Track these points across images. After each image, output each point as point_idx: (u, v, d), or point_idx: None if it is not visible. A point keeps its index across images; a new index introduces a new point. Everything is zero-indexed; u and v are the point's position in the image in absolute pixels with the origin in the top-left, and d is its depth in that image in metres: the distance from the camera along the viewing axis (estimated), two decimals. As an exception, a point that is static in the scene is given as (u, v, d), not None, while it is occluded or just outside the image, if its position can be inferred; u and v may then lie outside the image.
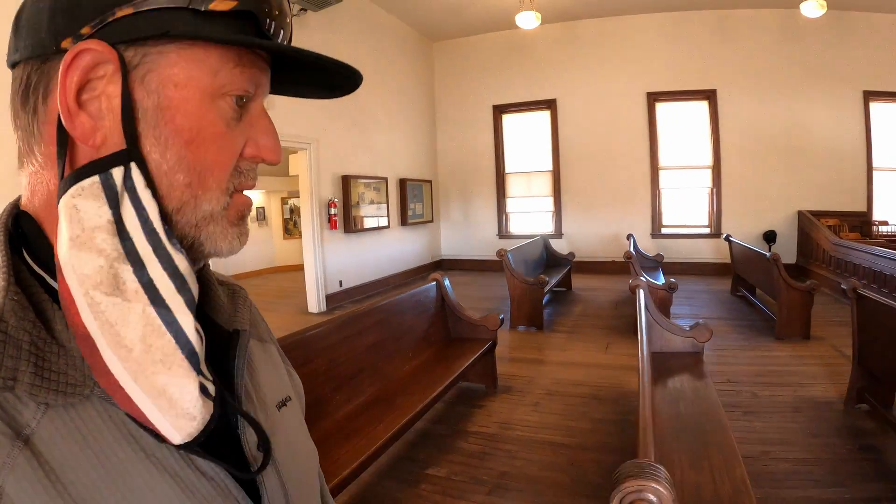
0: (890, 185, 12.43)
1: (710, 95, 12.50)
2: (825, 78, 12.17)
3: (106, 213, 0.52)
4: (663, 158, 12.91)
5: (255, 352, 0.78)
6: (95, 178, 0.52)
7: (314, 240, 9.59)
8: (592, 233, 12.92)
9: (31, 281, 0.55)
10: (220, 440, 0.62)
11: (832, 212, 12.17)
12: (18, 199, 0.61)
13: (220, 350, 0.68)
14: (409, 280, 12.35)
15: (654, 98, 12.80)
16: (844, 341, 6.53)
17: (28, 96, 0.56)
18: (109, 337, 0.51)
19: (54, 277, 0.55)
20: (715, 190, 12.66)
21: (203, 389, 0.55)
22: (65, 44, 0.53)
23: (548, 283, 8.00)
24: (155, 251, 0.54)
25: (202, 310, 0.68)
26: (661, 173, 12.92)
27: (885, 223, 12.08)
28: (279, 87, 0.71)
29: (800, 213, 12.14)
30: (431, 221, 14.10)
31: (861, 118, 12.21)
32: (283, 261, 15.77)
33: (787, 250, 12.13)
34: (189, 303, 0.55)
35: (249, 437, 0.66)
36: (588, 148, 13.02)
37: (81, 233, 0.51)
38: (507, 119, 13.99)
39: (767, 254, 7.89)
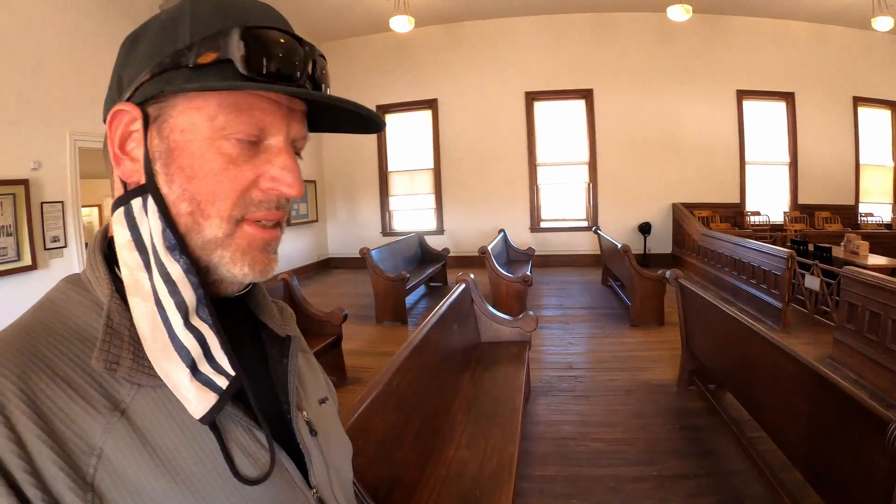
0: (762, 178, 12.93)
1: (586, 94, 12.70)
2: (700, 78, 12.54)
3: (127, 235, 0.65)
4: (541, 155, 13.04)
5: (300, 358, 0.86)
6: (121, 209, 0.66)
7: None
8: (473, 228, 12.81)
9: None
10: (277, 421, 0.74)
11: (706, 204, 12.54)
12: (107, 225, 0.71)
13: (275, 349, 0.81)
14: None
15: (532, 97, 12.87)
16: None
17: (106, 150, 0.70)
18: (140, 329, 0.63)
19: None
20: (592, 185, 12.84)
21: (206, 381, 0.63)
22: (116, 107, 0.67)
23: (408, 280, 7.87)
24: (155, 261, 0.64)
25: (259, 318, 0.83)
26: (539, 169, 13.06)
27: (756, 213, 12.47)
28: (324, 125, 0.79)
29: (674, 206, 12.43)
30: (317, 221, 13.90)
31: (734, 115, 12.67)
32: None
33: (663, 241, 12.49)
34: (179, 305, 0.64)
35: (300, 421, 0.78)
36: (468, 146, 13.00)
37: (118, 248, 0.65)
38: (390, 119, 13.75)
39: (618, 245, 7.92)
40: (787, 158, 12.95)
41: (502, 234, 10.88)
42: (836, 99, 12.78)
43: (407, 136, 13.87)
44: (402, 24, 10.47)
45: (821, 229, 11.80)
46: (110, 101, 0.68)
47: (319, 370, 0.96)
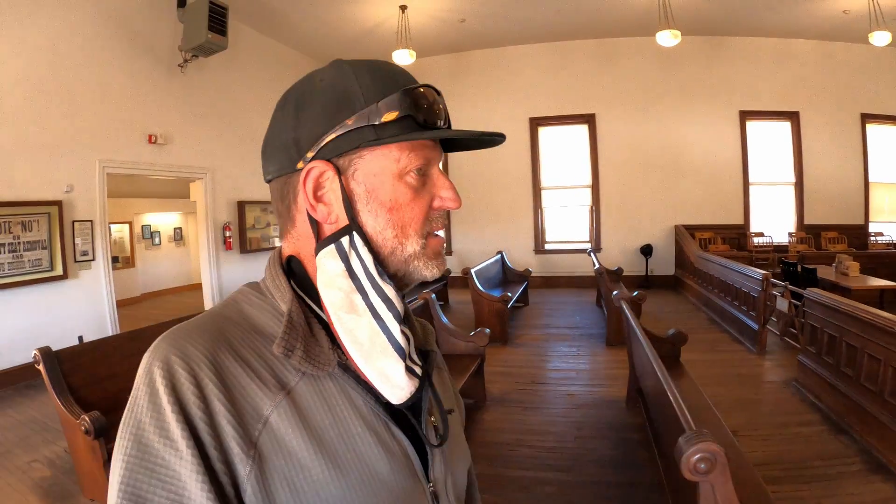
0: (766, 199, 12.73)
1: (589, 119, 12.80)
2: (702, 99, 12.49)
3: (340, 266, 0.76)
4: (545, 179, 13.21)
5: (434, 371, 0.96)
6: (332, 246, 0.76)
7: (210, 260, 9.87)
8: (479, 250, 12.77)
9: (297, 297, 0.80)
10: (409, 425, 0.82)
11: (709, 225, 12.45)
12: (279, 249, 0.88)
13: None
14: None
15: (536, 123, 13.04)
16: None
17: (283, 197, 0.83)
18: (350, 338, 0.75)
19: (311, 298, 0.81)
20: (594, 207, 12.90)
21: (410, 371, 0.77)
22: (299, 165, 0.78)
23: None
24: (372, 285, 0.76)
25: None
26: (544, 193, 13.24)
27: (760, 234, 12.29)
28: (453, 148, 0.93)
29: (676, 228, 12.36)
30: None
31: (737, 136, 12.55)
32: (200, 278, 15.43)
33: (666, 263, 12.43)
34: (396, 316, 0.77)
35: (428, 425, 0.86)
36: (476, 171, 13.11)
37: (328, 278, 0.76)
38: None
39: (596, 265, 7.98)
40: (792, 178, 12.74)
41: (499, 255, 11.02)
42: (843, 116, 12.52)
43: (418, 161, 14.11)
44: (403, 57, 10.70)
45: (823, 250, 11.56)
46: (286, 159, 0.80)
47: (450, 385, 1.08)
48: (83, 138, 7.45)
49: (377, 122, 0.76)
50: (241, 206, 10.49)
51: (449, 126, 0.86)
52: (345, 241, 0.77)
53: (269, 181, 0.85)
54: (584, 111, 12.83)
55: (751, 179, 12.70)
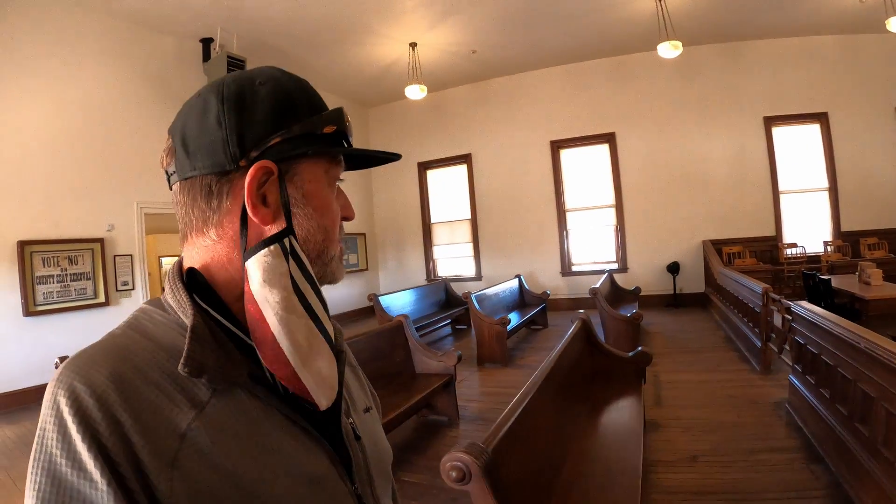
0: (799, 207, 12.07)
1: (609, 138, 12.54)
2: (724, 108, 12.02)
3: (284, 266, 0.75)
4: (569, 201, 12.98)
5: (347, 371, 1.01)
6: (276, 245, 0.75)
7: None
8: (508, 273, 12.46)
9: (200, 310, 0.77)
10: (326, 428, 0.83)
11: (738, 239, 11.89)
12: (180, 262, 0.84)
13: None
14: (344, 321, 12.53)
15: (557, 145, 12.88)
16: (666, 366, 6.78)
17: (210, 196, 0.79)
18: (291, 339, 0.74)
19: (217, 309, 0.78)
20: (619, 227, 12.58)
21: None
22: (242, 163, 0.76)
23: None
24: (311, 287, 0.78)
25: None
26: (568, 215, 13.02)
27: (793, 245, 11.68)
28: (352, 166, 0.96)
29: (704, 243, 11.86)
30: (367, 269, 14.69)
31: (763, 144, 11.97)
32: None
33: (696, 280, 11.92)
34: (329, 318, 0.82)
35: (346, 426, 0.88)
36: (501, 196, 13.16)
37: (272, 276, 0.74)
38: (430, 174, 14.57)
39: (595, 286, 7.75)
40: (825, 183, 11.99)
41: (517, 278, 10.89)
42: (876, 113, 11.66)
43: (446, 189, 14.38)
44: (415, 92, 10.95)
45: (861, 258, 10.66)
46: (223, 156, 0.77)
47: (365, 383, 1.10)
48: (122, 182, 8.33)
49: (319, 133, 0.80)
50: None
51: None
52: (286, 242, 0.77)
53: (186, 179, 0.80)
54: (604, 130, 12.59)
55: (781, 188, 12.05)
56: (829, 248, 11.63)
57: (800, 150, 12.07)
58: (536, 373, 3.55)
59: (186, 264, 0.82)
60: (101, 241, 7.98)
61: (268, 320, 0.73)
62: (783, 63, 11.91)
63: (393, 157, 0.92)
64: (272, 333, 0.73)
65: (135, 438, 0.62)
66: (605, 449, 3.60)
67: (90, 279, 7.84)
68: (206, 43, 9.46)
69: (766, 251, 11.85)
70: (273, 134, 0.77)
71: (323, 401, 0.77)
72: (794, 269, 10.75)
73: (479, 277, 13.42)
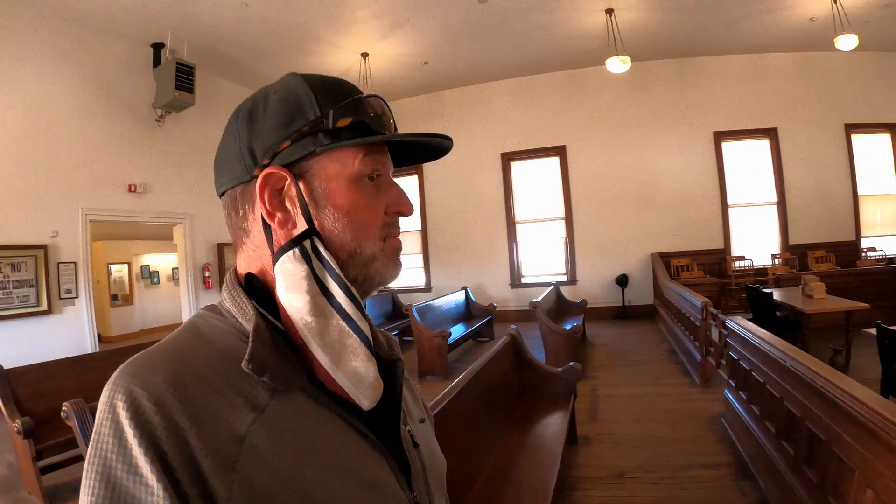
0: (748, 221, 12.17)
1: (560, 151, 12.52)
2: (674, 123, 12.10)
3: (304, 268, 0.73)
4: (519, 213, 12.91)
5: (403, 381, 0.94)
6: (294, 249, 0.73)
7: (189, 299, 10.18)
8: (458, 285, 12.13)
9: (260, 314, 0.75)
10: (385, 435, 0.80)
11: (687, 252, 11.92)
12: (236, 269, 0.83)
13: (384, 373, 0.81)
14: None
15: (508, 158, 12.82)
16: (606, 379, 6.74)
17: (238, 208, 0.80)
18: (319, 341, 0.71)
19: (273, 314, 0.75)
20: (568, 239, 12.53)
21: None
22: (256, 172, 0.76)
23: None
24: (339, 285, 0.74)
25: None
26: (518, 227, 12.93)
27: (741, 258, 11.74)
28: (403, 161, 0.93)
29: (652, 256, 11.87)
30: None
31: (713, 159, 12.08)
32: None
33: (644, 292, 11.94)
34: (364, 315, 0.76)
35: (405, 433, 0.84)
36: (451, 207, 13.04)
37: (293, 282, 0.72)
38: None
39: (535, 301, 7.64)
40: (774, 197, 12.13)
41: (464, 290, 10.81)
42: (825, 129, 11.87)
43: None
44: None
45: (808, 271, 10.71)
46: (240, 169, 0.78)
47: (418, 393, 1.05)
48: (67, 189, 8.03)
49: (331, 128, 0.76)
50: (220, 247, 10.74)
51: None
52: (306, 244, 0.74)
53: (222, 194, 0.83)
54: (555, 143, 12.56)
55: (730, 202, 12.16)
56: (776, 260, 11.73)
57: (749, 164, 12.22)
58: (448, 388, 3.37)
59: (241, 271, 0.83)
60: (44, 247, 7.70)
61: (296, 326, 0.72)
62: (734, 79, 12.05)
63: (443, 140, 0.85)
64: (301, 340, 0.72)
65: (193, 442, 0.60)
66: (520, 467, 3.49)
67: (33, 286, 7.59)
68: (158, 48, 9.21)
69: (714, 264, 11.90)
70: (282, 139, 0.76)
71: (364, 401, 0.74)
72: (742, 281, 10.77)
73: (428, 289, 13.24)
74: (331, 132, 0.76)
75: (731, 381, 5.10)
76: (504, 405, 4.36)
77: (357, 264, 0.79)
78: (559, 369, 4.95)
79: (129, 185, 8.86)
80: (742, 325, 4.78)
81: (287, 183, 0.76)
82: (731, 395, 5.03)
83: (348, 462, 0.71)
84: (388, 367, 0.85)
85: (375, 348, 0.84)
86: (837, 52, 10.40)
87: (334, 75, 0.83)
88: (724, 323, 5.93)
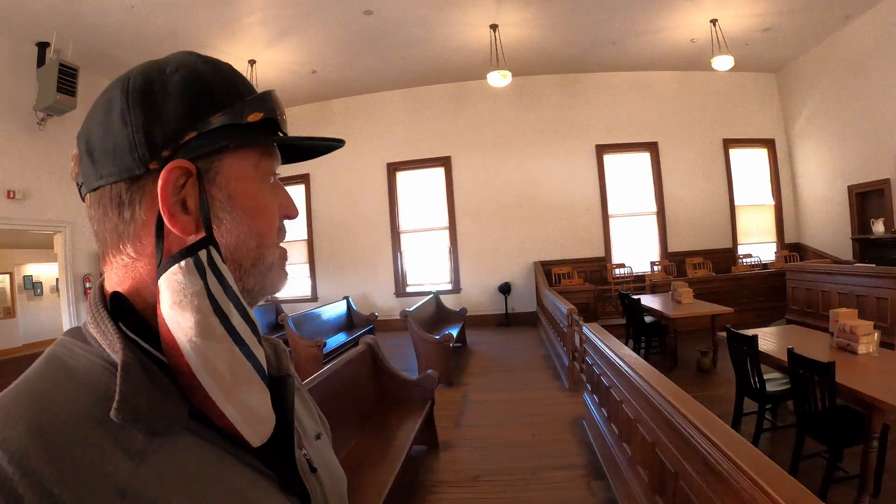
0: (629, 230, 12.71)
1: (445, 162, 12.66)
2: (558, 136, 12.49)
3: (199, 283, 0.63)
4: (404, 223, 12.95)
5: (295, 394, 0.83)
6: (189, 260, 0.63)
7: (69, 311, 9.73)
8: (344, 295, 11.98)
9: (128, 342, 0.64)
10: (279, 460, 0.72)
11: (569, 260, 12.31)
12: (101, 285, 0.71)
13: (272, 391, 0.72)
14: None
15: (394, 168, 12.84)
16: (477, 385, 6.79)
17: (121, 208, 0.67)
18: (208, 369, 0.62)
19: (147, 338, 0.65)
20: (452, 249, 12.68)
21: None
22: (153, 165, 0.65)
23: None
24: (235, 305, 0.65)
25: None
26: (403, 236, 12.97)
27: (621, 266, 12.19)
28: (284, 161, 0.84)
29: (535, 264, 12.16)
30: None
31: (595, 170, 12.54)
32: (85, 328, 15.52)
33: (528, 300, 12.19)
34: (259, 341, 0.68)
35: (301, 459, 0.76)
36: (337, 216, 12.91)
37: (183, 298, 0.62)
38: None
39: (407, 310, 7.69)
40: (654, 208, 12.77)
41: (346, 300, 10.80)
42: (704, 143, 12.67)
43: (282, 209, 14.00)
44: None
45: (685, 277, 11.32)
46: (131, 159, 0.65)
47: (313, 405, 0.97)
48: None
49: (243, 123, 0.69)
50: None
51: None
52: (202, 255, 0.64)
53: (94, 189, 0.68)
54: (440, 154, 12.70)
55: (611, 212, 12.69)
56: (655, 268, 12.25)
57: (631, 176, 12.82)
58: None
59: (109, 288, 0.70)
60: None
61: (181, 348, 0.62)
62: (618, 95, 12.62)
63: (336, 143, 0.80)
64: (186, 364, 0.62)
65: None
66: (361, 472, 3.53)
67: None
68: (43, 47, 8.79)
69: (595, 271, 12.33)
70: (188, 129, 0.66)
71: (254, 438, 0.65)
72: (621, 288, 11.21)
73: (315, 298, 13.05)
74: (243, 127, 0.69)
75: (588, 385, 5.31)
76: (356, 413, 4.38)
77: (258, 273, 0.73)
78: (416, 377, 5.00)
79: (8, 192, 8.37)
80: (593, 331, 4.96)
81: (188, 181, 0.66)
82: (589, 399, 5.22)
83: (242, 501, 0.64)
84: (277, 385, 0.76)
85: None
86: (714, 72, 11.13)
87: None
88: (582, 329, 6.18)
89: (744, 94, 12.89)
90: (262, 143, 0.72)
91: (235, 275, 0.68)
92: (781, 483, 1.75)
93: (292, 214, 0.79)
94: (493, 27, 9.59)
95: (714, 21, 9.85)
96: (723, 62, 10.13)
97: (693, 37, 10.59)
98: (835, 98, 11.37)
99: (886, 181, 10.13)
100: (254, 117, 0.69)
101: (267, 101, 0.72)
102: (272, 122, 0.73)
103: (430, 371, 5.07)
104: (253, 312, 0.68)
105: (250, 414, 0.65)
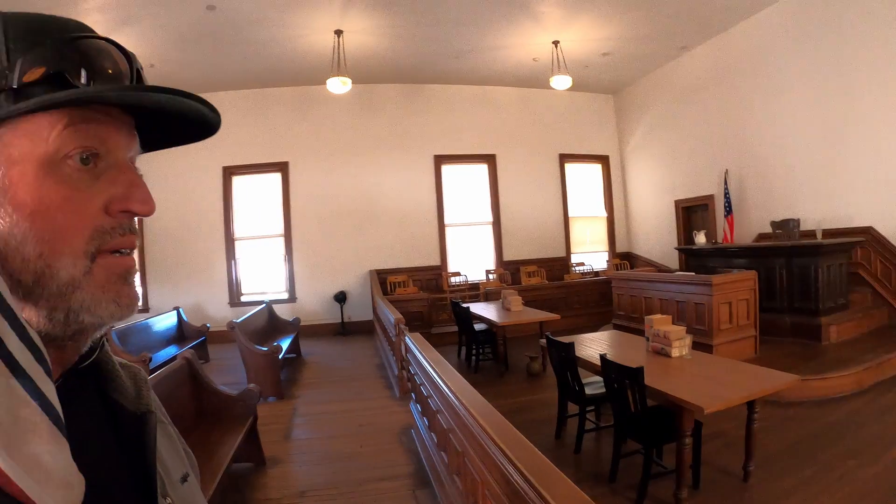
0: (466, 239, 13.15)
1: (283, 167, 12.43)
2: (398, 145, 12.70)
3: None
4: (238, 229, 12.56)
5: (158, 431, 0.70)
6: None
7: None
8: (177, 304, 11.34)
9: None
10: None
11: (404, 268, 12.53)
12: None
13: (131, 431, 0.64)
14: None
15: (230, 172, 12.42)
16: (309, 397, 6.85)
17: None
18: None
19: None
20: (288, 256, 12.48)
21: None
22: None
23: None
24: (11, 325, 0.47)
25: (109, 394, 0.67)
26: (238, 243, 12.52)
27: (456, 274, 12.53)
28: (156, 141, 0.70)
29: (370, 273, 12.24)
30: None
31: (433, 180, 12.86)
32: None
33: (364, 308, 12.26)
34: (48, 372, 0.49)
35: None
36: (169, 223, 12.21)
37: None
38: None
39: (235, 321, 7.49)
40: (490, 218, 13.29)
41: (176, 311, 10.42)
42: (542, 157, 13.48)
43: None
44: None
45: (518, 285, 11.78)
46: None
47: (178, 440, 0.80)
48: None
49: (15, 85, 0.53)
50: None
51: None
52: None
53: None
54: (278, 159, 12.47)
55: (447, 221, 13.05)
56: (490, 276, 12.66)
57: (468, 186, 13.29)
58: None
59: None
60: None
61: None
62: (458, 107, 13.06)
63: (201, 107, 0.63)
64: None
65: None
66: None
67: None
68: None
69: (431, 280, 12.61)
70: None
71: (53, 503, 0.46)
72: (456, 296, 11.56)
73: (146, 309, 12.18)
74: (15, 91, 0.53)
75: (413, 395, 5.45)
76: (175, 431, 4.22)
77: (50, 294, 0.55)
78: (236, 392, 4.93)
79: None
80: (414, 341, 5.11)
81: None
82: (414, 408, 5.37)
83: None
84: (136, 423, 0.65)
85: (116, 396, 0.67)
86: (557, 91, 11.78)
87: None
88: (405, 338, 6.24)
89: (582, 113, 13.86)
90: (28, 111, 0.53)
91: (16, 292, 0.54)
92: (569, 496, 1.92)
93: (134, 208, 0.60)
94: (338, 33, 9.60)
95: (556, 42, 10.45)
96: (561, 82, 10.76)
97: (535, 56, 11.15)
98: (666, 121, 12.57)
99: (710, 196, 11.34)
100: (31, 76, 0.54)
101: (60, 50, 0.56)
102: (60, 78, 0.55)
103: (251, 385, 5.00)
104: (35, 334, 0.49)
105: (44, 474, 0.46)
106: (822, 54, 8.83)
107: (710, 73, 11.20)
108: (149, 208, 0.61)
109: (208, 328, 10.25)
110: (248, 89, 12.34)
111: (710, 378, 4.04)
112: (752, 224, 10.46)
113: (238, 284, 12.51)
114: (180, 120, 0.64)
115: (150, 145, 0.70)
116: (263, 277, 12.62)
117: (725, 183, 10.59)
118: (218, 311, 12.12)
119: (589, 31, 10.18)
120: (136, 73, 0.62)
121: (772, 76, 9.85)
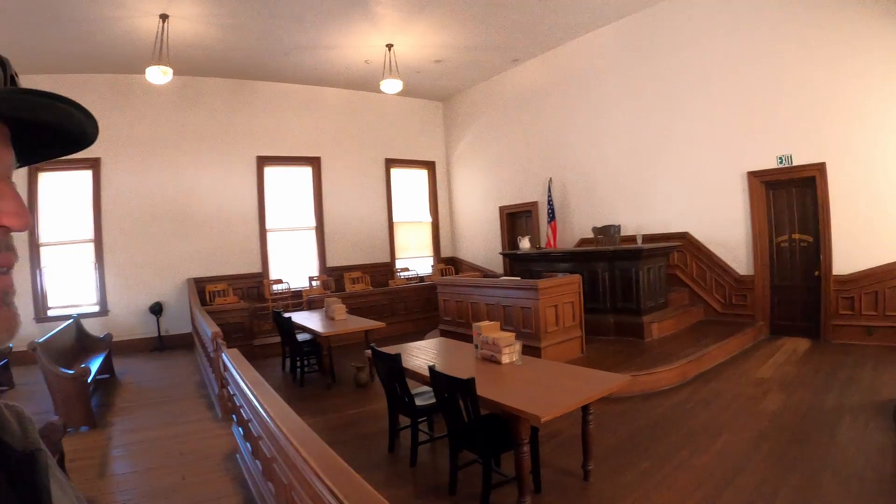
0: (288, 245, 13.04)
1: (94, 164, 11.33)
2: (219, 144, 12.30)
3: None
4: (43, 235, 11.09)
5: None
6: None
7: None
8: None
9: None
10: None
11: (223, 276, 12.15)
12: None
13: (21, 471, 0.59)
14: None
15: (36, 169, 10.97)
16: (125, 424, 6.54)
17: None
18: None
19: None
20: (98, 264, 11.43)
21: None
22: None
23: None
24: None
25: None
26: (43, 250, 11.10)
27: (279, 281, 12.36)
28: (33, 154, 0.64)
29: (188, 281, 11.76)
30: None
31: (255, 183, 12.62)
32: None
33: (182, 320, 11.70)
34: None
35: None
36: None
37: None
38: None
39: (37, 341, 6.86)
40: (313, 222, 13.28)
41: None
42: (368, 162, 13.68)
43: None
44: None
45: (343, 292, 12.02)
46: None
47: (67, 482, 0.70)
48: None
49: None
50: None
51: None
52: None
53: None
54: (88, 154, 11.11)
55: (269, 226, 12.85)
56: (314, 283, 12.65)
57: (291, 190, 13.17)
58: None
59: None
60: None
61: None
62: (285, 106, 12.90)
63: (72, 110, 0.60)
64: None
65: None
66: None
67: None
68: None
69: (252, 288, 12.39)
70: None
71: None
72: (278, 305, 11.52)
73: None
74: None
75: (234, 416, 5.21)
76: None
77: None
78: (41, 426, 4.65)
79: None
80: (231, 358, 4.93)
81: None
82: (236, 431, 5.17)
83: None
84: (25, 463, 0.60)
85: (2, 436, 0.62)
86: (387, 95, 12.03)
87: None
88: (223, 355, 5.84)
89: (410, 118, 14.25)
90: None
91: None
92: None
93: (11, 224, 0.58)
94: (164, 17, 9.09)
95: (390, 46, 10.65)
96: (392, 85, 10.97)
97: (368, 58, 11.27)
98: (494, 129, 13.22)
99: (534, 203, 12.10)
100: None
101: None
102: None
103: (53, 419, 4.67)
104: None
105: None
106: (643, 75, 9.77)
107: (539, 87, 11.91)
108: (23, 222, 0.58)
109: (11, 349, 9.17)
110: (61, 74, 11.00)
111: (543, 384, 4.17)
112: (574, 230, 11.22)
113: (44, 297, 11.23)
114: (58, 130, 0.62)
115: (26, 159, 0.66)
116: (73, 288, 11.46)
117: (549, 191, 11.30)
118: (23, 328, 10.87)
119: (424, 36, 10.44)
120: (11, 80, 0.59)
121: (598, 92, 10.68)
